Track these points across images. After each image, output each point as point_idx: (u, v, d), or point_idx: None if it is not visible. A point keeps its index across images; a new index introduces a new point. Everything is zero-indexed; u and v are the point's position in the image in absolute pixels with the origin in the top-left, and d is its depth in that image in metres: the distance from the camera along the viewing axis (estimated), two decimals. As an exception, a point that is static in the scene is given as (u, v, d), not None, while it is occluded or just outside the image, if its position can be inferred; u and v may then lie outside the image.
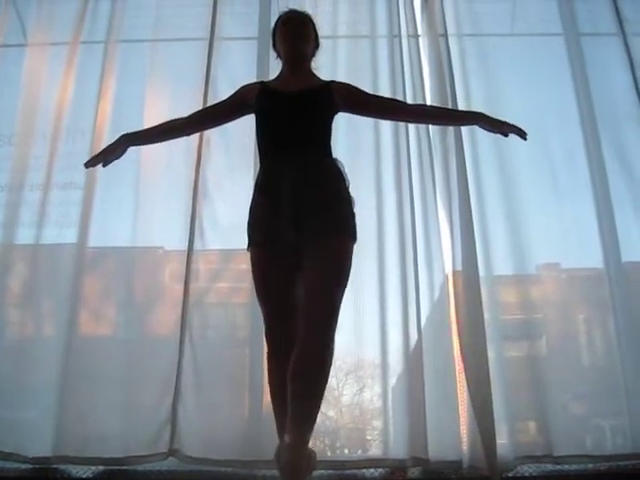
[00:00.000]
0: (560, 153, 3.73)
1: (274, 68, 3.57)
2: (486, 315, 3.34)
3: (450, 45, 3.78)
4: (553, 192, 3.66)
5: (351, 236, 2.48)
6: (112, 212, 3.64)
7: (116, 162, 3.51)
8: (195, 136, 3.61)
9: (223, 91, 3.66)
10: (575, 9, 3.89)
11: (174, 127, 2.80)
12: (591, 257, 3.61)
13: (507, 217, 3.57)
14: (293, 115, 2.58)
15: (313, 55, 2.79)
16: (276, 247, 2.48)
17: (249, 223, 2.58)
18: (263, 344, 3.25)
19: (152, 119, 3.56)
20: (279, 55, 2.79)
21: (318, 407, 2.32)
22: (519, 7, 3.94)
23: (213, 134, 3.62)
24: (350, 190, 2.57)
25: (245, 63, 3.76)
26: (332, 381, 3.59)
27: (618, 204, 3.63)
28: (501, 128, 2.68)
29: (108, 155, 2.63)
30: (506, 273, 3.55)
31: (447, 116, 3.10)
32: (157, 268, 3.71)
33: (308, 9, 3.85)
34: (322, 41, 2.83)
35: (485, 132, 3.34)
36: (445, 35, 3.79)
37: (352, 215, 2.52)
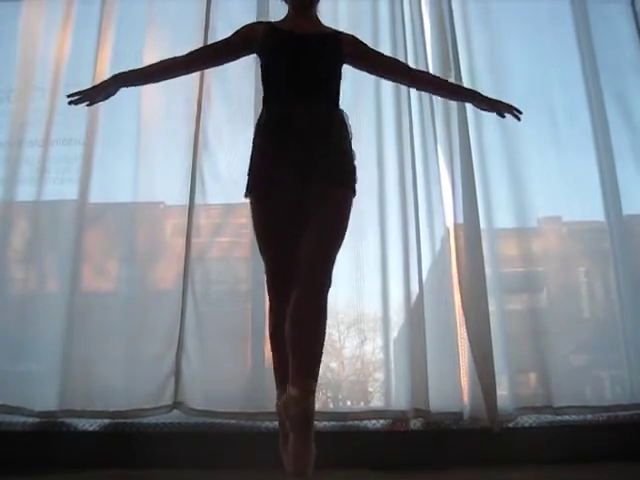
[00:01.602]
0: (562, 105, 3.71)
1: (274, 18, 3.53)
2: (487, 268, 3.36)
3: (452, 5, 3.72)
4: (555, 145, 3.64)
5: (352, 190, 2.47)
6: (113, 168, 3.61)
7: (115, 116, 3.52)
8: (194, 87, 3.60)
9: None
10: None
11: (172, 65, 2.67)
12: (592, 210, 3.62)
13: (508, 170, 3.57)
14: (305, 58, 2.52)
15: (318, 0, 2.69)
16: (278, 195, 2.43)
17: (250, 169, 2.52)
18: (265, 298, 3.31)
19: (151, 74, 3.54)
20: None
21: (320, 356, 2.31)
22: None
23: (213, 85, 3.60)
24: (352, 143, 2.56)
25: (244, 13, 3.67)
26: (334, 334, 3.63)
27: (620, 157, 3.63)
28: (496, 107, 2.69)
29: (96, 94, 2.51)
30: (507, 226, 3.56)
31: (447, 89, 2.99)
32: (158, 223, 3.71)
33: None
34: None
35: (488, 88, 3.39)
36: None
37: (354, 169, 2.51)
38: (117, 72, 2.56)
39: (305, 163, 2.41)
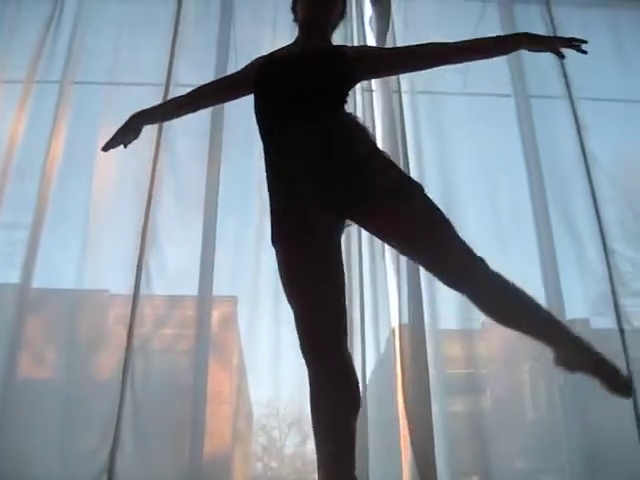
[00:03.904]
0: (507, 211, 3.79)
1: (229, 116, 3.60)
2: (431, 369, 3.35)
3: (403, 101, 3.84)
4: (500, 249, 3.67)
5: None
6: (58, 253, 3.58)
7: (63, 202, 3.52)
8: (146, 177, 3.60)
9: (177, 138, 3.71)
10: (525, 72, 4.01)
11: (180, 104, 2.59)
12: (537, 314, 3.65)
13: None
14: (295, 83, 2.26)
15: (335, 26, 2.49)
16: None
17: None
18: (205, 392, 3.28)
19: (103, 163, 3.57)
20: (296, 18, 2.47)
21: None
22: (471, 67, 4.02)
23: (165, 177, 3.62)
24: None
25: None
26: (275, 432, 3.56)
27: (563, 262, 3.69)
28: (550, 45, 2.30)
29: (124, 138, 2.42)
30: (452, 327, 3.57)
31: (489, 49, 2.44)
32: (102, 311, 3.65)
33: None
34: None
35: (434, 184, 3.50)
36: (398, 91, 3.85)
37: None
38: (137, 111, 2.48)
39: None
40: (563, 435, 3.45)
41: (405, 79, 3.91)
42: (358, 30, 3.98)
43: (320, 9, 2.38)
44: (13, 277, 3.50)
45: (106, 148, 2.43)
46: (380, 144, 3.74)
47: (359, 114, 3.80)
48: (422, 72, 3.86)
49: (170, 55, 3.89)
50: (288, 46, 2.47)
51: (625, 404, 3.38)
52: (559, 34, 4.03)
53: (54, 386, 3.46)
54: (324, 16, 2.41)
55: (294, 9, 2.47)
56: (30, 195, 3.55)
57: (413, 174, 3.67)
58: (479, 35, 3.99)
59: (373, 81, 3.86)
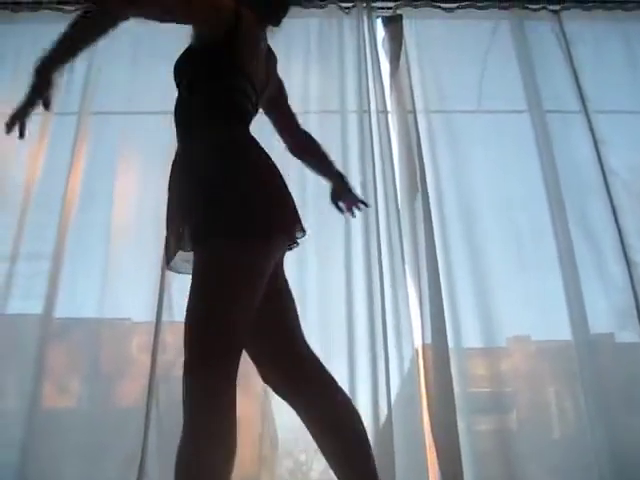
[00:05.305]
0: (527, 227, 3.79)
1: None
2: (456, 388, 3.33)
3: (418, 121, 3.86)
4: (521, 265, 3.70)
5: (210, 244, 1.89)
6: (80, 283, 3.60)
7: (83, 232, 3.54)
8: (165, 204, 3.60)
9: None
10: (539, 88, 4.02)
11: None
12: (560, 329, 3.62)
13: (476, 290, 3.60)
14: None
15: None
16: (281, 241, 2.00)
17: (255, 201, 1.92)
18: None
19: (122, 191, 3.60)
20: None
21: None
22: (485, 85, 4.04)
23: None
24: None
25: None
26: (301, 456, 3.53)
27: (585, 276, 3.66)
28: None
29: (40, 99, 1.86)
30: (476, 346, 3.55)
31: None
32: (124, 340, 3.65)
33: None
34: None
35: (452, 201, 3.59)
36: (413, 111, 3.88)
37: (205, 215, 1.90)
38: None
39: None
40: (591, 452, 3.40)
41: (419, 98, 3.94)
42: (371, 51, 4.02)
43: None
44: (35, 307, 3.52)
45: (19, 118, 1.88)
46: (397, 164, 3.77)
47: (375, 135, 3.82)
48: (437, 91, 3.99)
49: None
50: None
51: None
52: (572, 49, 4.06)
53: (79, 415, 3.48)
54: None
55: None
56: (51, 225, 3.57)
57: (431, 193, 3.69)
58: (491, 52, 4.07)
59: (388, 102, 3.91)
